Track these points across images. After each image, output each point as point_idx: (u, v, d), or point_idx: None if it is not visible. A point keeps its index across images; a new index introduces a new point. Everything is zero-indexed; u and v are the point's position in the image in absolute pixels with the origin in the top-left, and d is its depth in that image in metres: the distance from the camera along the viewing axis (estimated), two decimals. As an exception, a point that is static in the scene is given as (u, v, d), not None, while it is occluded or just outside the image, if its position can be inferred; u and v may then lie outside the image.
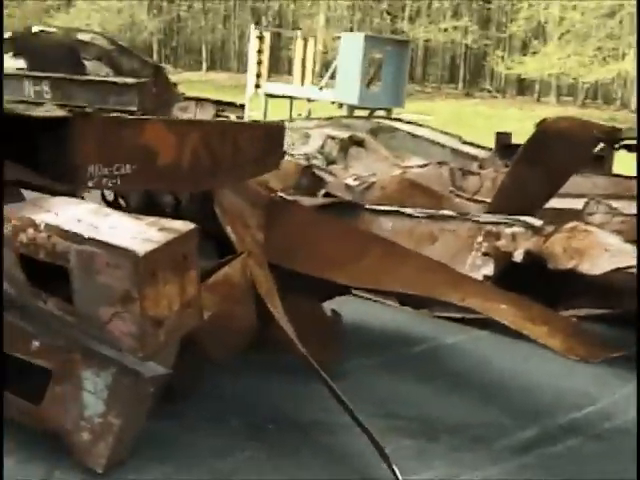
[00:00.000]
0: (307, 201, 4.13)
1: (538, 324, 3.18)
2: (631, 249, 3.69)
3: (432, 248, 4.11)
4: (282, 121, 3.67)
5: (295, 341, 3.06)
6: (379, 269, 3.52)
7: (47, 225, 2.57)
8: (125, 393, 2.71)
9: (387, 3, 43.55)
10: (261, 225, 3.47)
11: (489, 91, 42.92)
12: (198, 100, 10.85)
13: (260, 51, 17.01)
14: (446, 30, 42.04)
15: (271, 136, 3.51)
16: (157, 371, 2.78)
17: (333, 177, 6.17)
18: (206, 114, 10.37)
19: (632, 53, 36.16)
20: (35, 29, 10.21)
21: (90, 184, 3.06)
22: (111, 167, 3.08)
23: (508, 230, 4.03)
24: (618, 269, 3.64)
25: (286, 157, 6.66)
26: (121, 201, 4.07)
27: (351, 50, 15.62)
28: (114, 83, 9.37)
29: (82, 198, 3.14)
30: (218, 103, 10.87)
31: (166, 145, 3.16)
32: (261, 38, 17.05)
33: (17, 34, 10.28)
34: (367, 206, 4.40)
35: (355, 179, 5.85)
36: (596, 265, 3.65)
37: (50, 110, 3.20)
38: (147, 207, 3.65)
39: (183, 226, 2.60)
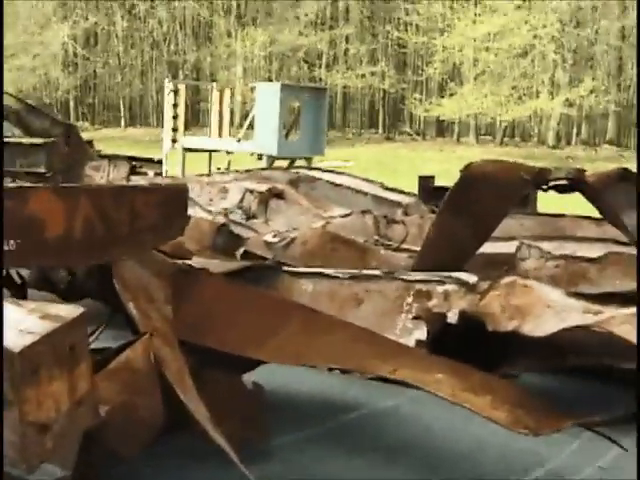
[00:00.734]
0: (220, 266, 3.80)
1: (480, 395, 2.89)
2: (576, 304, 3.44)
3: (357, 312, 3.79)
4: (184, 182, 3.35)
5: (207, 427, 2.72)
6: (299, 342, 3.21)
7: None
8: (13, 508, 2.33)
9: (304, 52, 43.82)
10: (168, 298, 3.14)
11: (409, 134, 43.37)
12: (112, 158, 10.49)
13: (175, 105, 16.69)
14: (363, 76, 42.44)
15: (173, 199, 3.19)
16: (52, 475, 2.41)
17: (253, 233, 5.87)
18: (120, 172, 10.01)
19: (546, 91, 37.13)
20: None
21: (-32, 264, 2.70)
22: (-7, 244, 2.72)
23: (440, 288, 3.74)
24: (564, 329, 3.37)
25: (203, 214, 6.36)
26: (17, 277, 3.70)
27: (268, 100, 15.44)
28: (20, 144, 8.98)
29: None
30: (134, 160, 10.53)
31: (54, 215, 2.82)
32: (176, 91, 16.75)
33: None
34: (285, 268, 4.08)
35: (274, 235, 5.56)
36: (539, 326, 3.38)
37: None
38: (41, 283, 3.30)
39: (69, 311, 2.26)
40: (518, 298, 3.46)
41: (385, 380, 4.20)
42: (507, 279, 3.58)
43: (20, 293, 3.66)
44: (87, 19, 44.52)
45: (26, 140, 9.26)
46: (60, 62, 45.02)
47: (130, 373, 2.74)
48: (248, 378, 3.68)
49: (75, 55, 47.01)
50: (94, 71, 48.98)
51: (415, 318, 3.72)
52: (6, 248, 2.75)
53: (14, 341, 2.06)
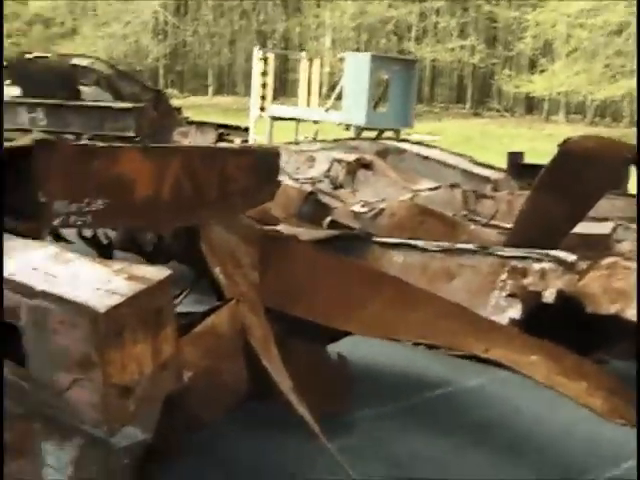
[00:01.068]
0: (308, 234, 3.70)
1: (575, 380, 2.74)
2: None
3: (449, 287, 3.63)
4: (276, 146, 3.24)
5: (290, 397, 2.65)
6: (389, 315, 3.10)
7: (-3, 276, 2.16)
8: (93, 468, 2.29)
9: (393, 24, 43.27)
10: (255, 264, 3.06)
11: (497, 110, 42.50)
12: (199, 124, 10.52)
13: (264, 73, 16.68)
14: (453, 50, 41.70)
15: (264, 163, 3.10)
16: (132, 438, 2.36)
17: (340, 203, 5.76)
18: (207, 138, 10.03)
19: (641, 68, 35.89)
20: (30, 55, 9.93)
21: (56, 223, 2.66)
22: (80, 203, 2.68)
23: (536, 266, 3.56)
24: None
25: (290, 182, 6.27)
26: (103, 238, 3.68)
27: (357, 70, 15.27)
28: (110, 108, 9.05)
29: (55, 237, 2.75)
30: (221, 127, 10.53)
31: (143, 176, 2.76)
32: (265, 60, 16.74)
33: (12, 61, 10.01)
34: (375, 239, 3.96)
35: (363, 205, 5.43)
36: (644, 311, 3.17)
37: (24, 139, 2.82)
38: (127, 244, 3.27)
39: (156, 273, 2.19)
40: (620, 280, 3.27)
41: (474, 358, 4.07)
42: (608, 260, 3.37)
43: (106, 253, 3.65)
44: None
45: (115, 104, 9.34)
46: (150, 30, 45.53)
47: (215, 338, 2.68)
48: (333, 349, 3.60)
49: (165, 23, 47.50)
50: (183, 39, 49.40)
51: (509, 296, 3.56)
52: (94, 208, 2.71)
53: (99, 301, 2.00)
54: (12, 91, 9.37)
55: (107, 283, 2.11)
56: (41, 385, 2.19)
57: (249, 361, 2.72)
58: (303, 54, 19.51)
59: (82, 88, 9.72)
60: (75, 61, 10.02)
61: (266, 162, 3.10)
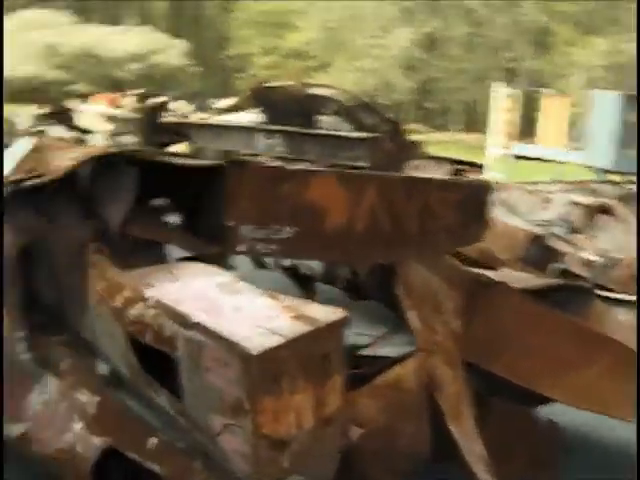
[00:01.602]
0: (525, 282, 3.27)
1: None
2: None
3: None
4: (488, 181, 2.90)
5: (477, 469, 2.28)
6: (604, 386, 2.64)
7: (157, 301, 2.00)
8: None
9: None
10: (458, 310, 2.72)
11: None
12: (434, 158, 10.29)
13: (509, 110, 16.20)
14: None
15: (473, 199, 2.76)
16: (299, 494, 2.11)
17: (572, 249, 5.26)
18: (441, 173, 9.77)
19: None
20: (271, 83, 10.19)
21: (241, 248, 2.48)
22: (268, 229, 2.49)
23: None
24: None
25: (520, 222, 5.85)
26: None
27: (605, 110, 14.41)
28: (345, 138, 9.05)
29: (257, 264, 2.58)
30: (456, 162, 10.24)
31: (336, 204, 2.52)
32: (509, 97, 16.26)
33: (254, 88, 10.31)
34: (599, 293, 3.46)
35: (597, 253, 4.90)
36: None
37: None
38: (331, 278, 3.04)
39: (328, 314, 1.94)
40: None
41: None
42: None
43: (307, 286, 3.45)
44: (427, 24, 45.11)
45: (350, 134, 9.33)
46: (399, 65, 46.04)
47: (397, 392, 2.37)
48: (542, 413, 3.17)
49: (415, 59, 47.88)
50: (432, 75, 49.52)
51: None
52: (282, 236, 2.51)
53: (256, 341, 1.77)
54: (248, 117, 9.63)
55: (271, 320, 1.88)
56: (196, 424, 2.00)
57: (433, 420, 2.39)
58: (549, 91, 18.80)
59: (321, 117, 9.83)
60: (315, 91, 10.17)
61: (475, 198, 2.76)
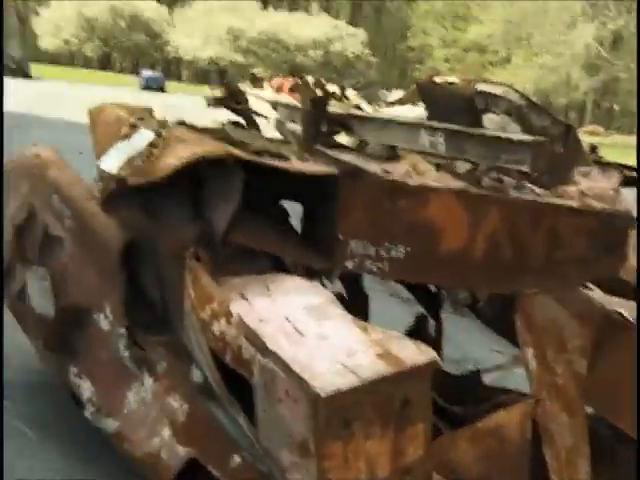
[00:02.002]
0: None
1: None
2: None
3: None
4: (626, 209, 2.56)
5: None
6: None
7: (240, 320, 1.88)
8: None
9: None
10: (586, 350, 2.45)
11: None
12: (603, 165, 9.71)
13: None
14: None
15: (610, 229, 2.47)
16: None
17: None
18: (611, 182, 9.19)
19: None
20: (438, 79, 9.93)
21: (349, 264, 2.32)
22: (379, 246, 2.32)
23: None
24: None
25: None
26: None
27: None
28: (508, 140, 8.69)
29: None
30: (628, 169, 9.62)
31: (455, 225, 2.31)
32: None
33: (420, 82, 10.09)
34: None
35: None
36: None
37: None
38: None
39: (417, 355, 1.75)
40: None
41: None
42: None
43: (432, 309, 3.23)
44: (614, 21, 43.10)
45: (514, 136, 8.96)
46: (581, 63, 44.30)
47: (497, 441, 2.15)
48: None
49: (598, 57, 45.94)
50: (614, 75, 47.33)
51: None
52: (394, 254, 2.33)
53: (329, 380, 1.61)
54: (413, 111, 9.43)
55: (352, 356, 1.72)
56: (267, 453, 1.87)
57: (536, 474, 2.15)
58: None
59: (489, 116, 9.49)
60: (485, 88, 9.83)
61: (612, 228, 2.47)
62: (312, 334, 1.82)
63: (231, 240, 2.31)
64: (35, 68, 42.01)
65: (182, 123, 2.83)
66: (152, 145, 2.54)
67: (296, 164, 2.42)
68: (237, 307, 1.95)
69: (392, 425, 1.69)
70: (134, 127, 2.72)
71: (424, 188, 2.32)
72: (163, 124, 2.79)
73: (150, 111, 3.06)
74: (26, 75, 38.99)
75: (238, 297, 2.03)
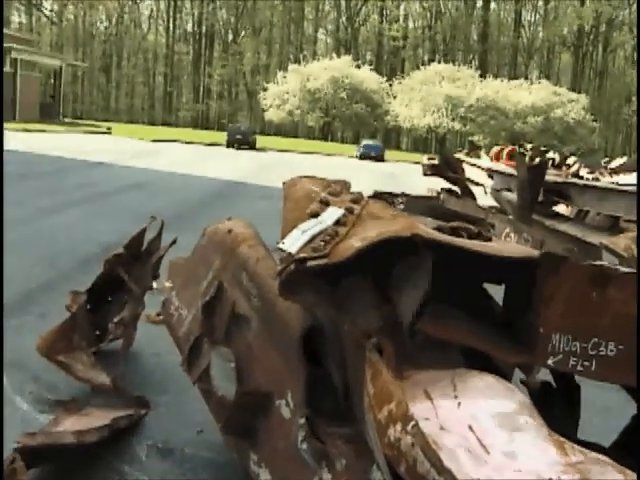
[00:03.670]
0: None
1: None
2: None
3: None
4: None
5: None
6: None
7: (417, 427, 1.66)
8: None
9: None
10: None
11: None
12: None
13: None
14: None
15: None
16: None
17: None
18: None
19: None
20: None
21: (550, 361, 2.05)
22: (585, 342, 2.03)
23: None
24: None
25: None
26: None
27: None
28: None
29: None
30: None
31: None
32: None
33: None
34: None
35: None
36: None
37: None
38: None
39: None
40: None
41: None
42: None
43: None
44: None
45: None
46: None
47: None
48: None
49: None
50: None
51: None
52: (602, 352, 2.03)
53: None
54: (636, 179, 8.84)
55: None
56: None
57: None
58: None
59: None
60: None
61: None
62: (498, 451, 1.56)
63: (419, 330, 2.11)
64: (260, 139, 44.26)
65: (379, 195, 2.68)
66: (340, 223, 2.40)
67: (494, 245, 2.20)
68: (417, 410, 1.73)
69: None
70: (324, 203, 2.60)
71: (633, 275, 2.02)
72: (357, 199, 2.66)
73: (346, 185, 2.94)
74: (252, 147, 41.34)
75: (422, 395, 1.82)
